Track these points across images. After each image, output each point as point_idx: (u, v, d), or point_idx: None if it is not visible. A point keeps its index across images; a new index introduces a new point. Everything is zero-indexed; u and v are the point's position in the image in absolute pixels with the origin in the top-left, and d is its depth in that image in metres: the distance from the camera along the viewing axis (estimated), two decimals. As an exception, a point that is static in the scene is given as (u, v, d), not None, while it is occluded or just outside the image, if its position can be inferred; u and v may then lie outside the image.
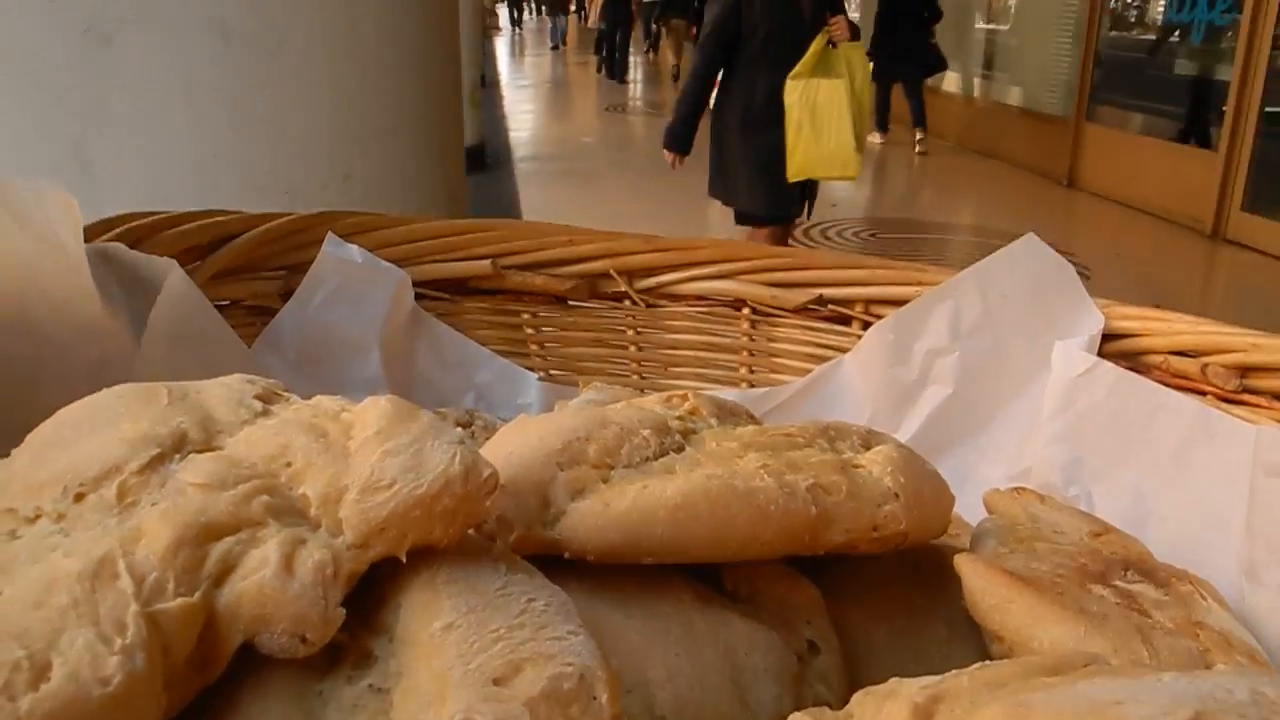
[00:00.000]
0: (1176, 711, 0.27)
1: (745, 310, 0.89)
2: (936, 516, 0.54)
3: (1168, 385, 0.70)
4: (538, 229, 0.91)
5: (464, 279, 0.91)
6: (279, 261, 0.85)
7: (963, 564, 0.51)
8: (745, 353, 0.90)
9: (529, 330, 0.94)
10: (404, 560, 0.40)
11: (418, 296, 0.88)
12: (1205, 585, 0.57)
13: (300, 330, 0.84)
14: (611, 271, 0.89)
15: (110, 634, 0.33)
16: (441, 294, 0.92)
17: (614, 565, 0.47)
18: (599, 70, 12.07)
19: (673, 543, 0.46)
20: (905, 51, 8.12)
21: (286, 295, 0.84)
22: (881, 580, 0.56)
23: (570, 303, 0.93)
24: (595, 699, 0.35)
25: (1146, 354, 0.72)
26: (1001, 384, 0.79)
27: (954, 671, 0.37)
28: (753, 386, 0.89)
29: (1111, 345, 0.74)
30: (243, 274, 0.83)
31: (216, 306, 0.77)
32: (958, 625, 0.51)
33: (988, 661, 0.38)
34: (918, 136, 8.81)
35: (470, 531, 0.43)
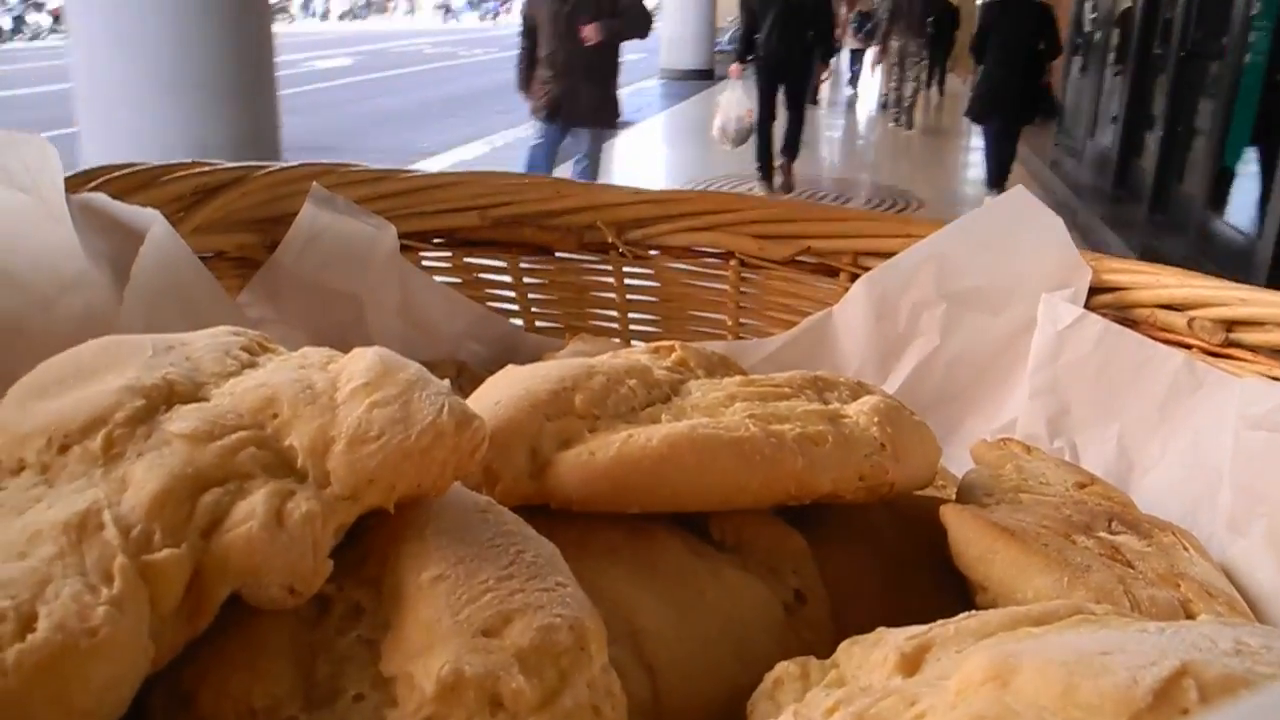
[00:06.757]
0: (1162, 661, 0.27)
1: (733, 262, 0.88)
2: (923, 467, 0.55)
3: (1154, 339, 0.70)
4: (523, 182, 0.90)
5: (450, 231, 0.90)
6: (264, 213, 0.84)
7: (948, 514, 0.52)
8: (733, 305, 0.90)
9: (515, 282, 0.93)
10: (392, 511, 0.40)
11: (404, 248, 0.88)
12: (1187, 536, 0.57)
13: (286, 282, 0.83)
14: (598, 223, 0.89)
15: (97, 584, 0.33)
16: (427, 245, 0.91)
17: (602, 515, 0.47)
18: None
19: (659, 492, 0.46)
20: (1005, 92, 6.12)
21: (271, 247, 0.83)
22: (868, 530, 0.56)
23: (557, 254, 0.92)
24: (584, 650, 0.35)
25: (1134, 307, 0.72)
26: (988, 336, 0.79)
27: (940, 621, 0.37)
28: (740, 339, 0.89)
29: (1099, 298, 0.74)
30: (227, 226, 0.82)
31: (200, 258, 0.76)
32: (943, 575, 0.51)
33: (973, 612, 0.38)
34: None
35: (457, 483, 0.43)
